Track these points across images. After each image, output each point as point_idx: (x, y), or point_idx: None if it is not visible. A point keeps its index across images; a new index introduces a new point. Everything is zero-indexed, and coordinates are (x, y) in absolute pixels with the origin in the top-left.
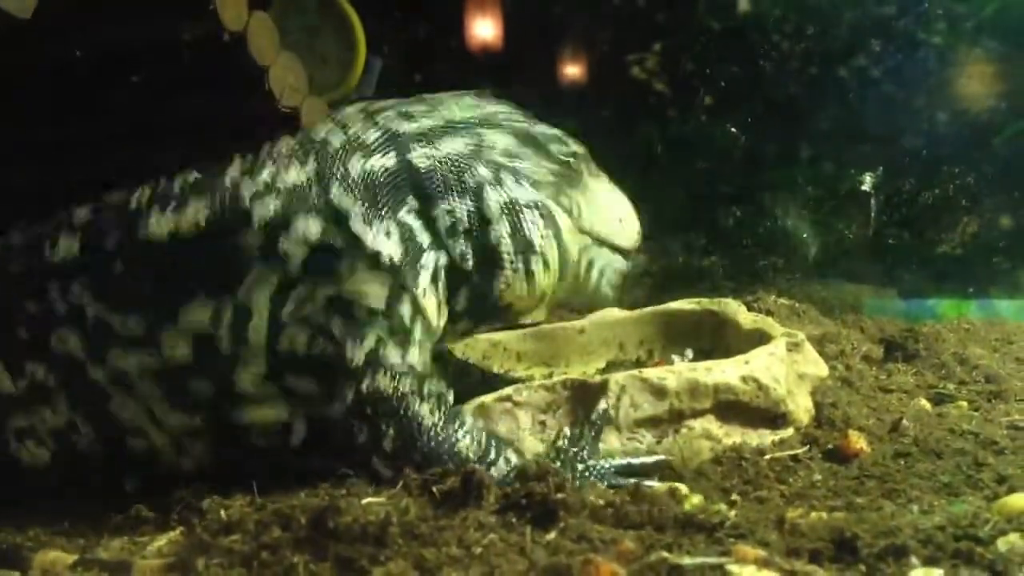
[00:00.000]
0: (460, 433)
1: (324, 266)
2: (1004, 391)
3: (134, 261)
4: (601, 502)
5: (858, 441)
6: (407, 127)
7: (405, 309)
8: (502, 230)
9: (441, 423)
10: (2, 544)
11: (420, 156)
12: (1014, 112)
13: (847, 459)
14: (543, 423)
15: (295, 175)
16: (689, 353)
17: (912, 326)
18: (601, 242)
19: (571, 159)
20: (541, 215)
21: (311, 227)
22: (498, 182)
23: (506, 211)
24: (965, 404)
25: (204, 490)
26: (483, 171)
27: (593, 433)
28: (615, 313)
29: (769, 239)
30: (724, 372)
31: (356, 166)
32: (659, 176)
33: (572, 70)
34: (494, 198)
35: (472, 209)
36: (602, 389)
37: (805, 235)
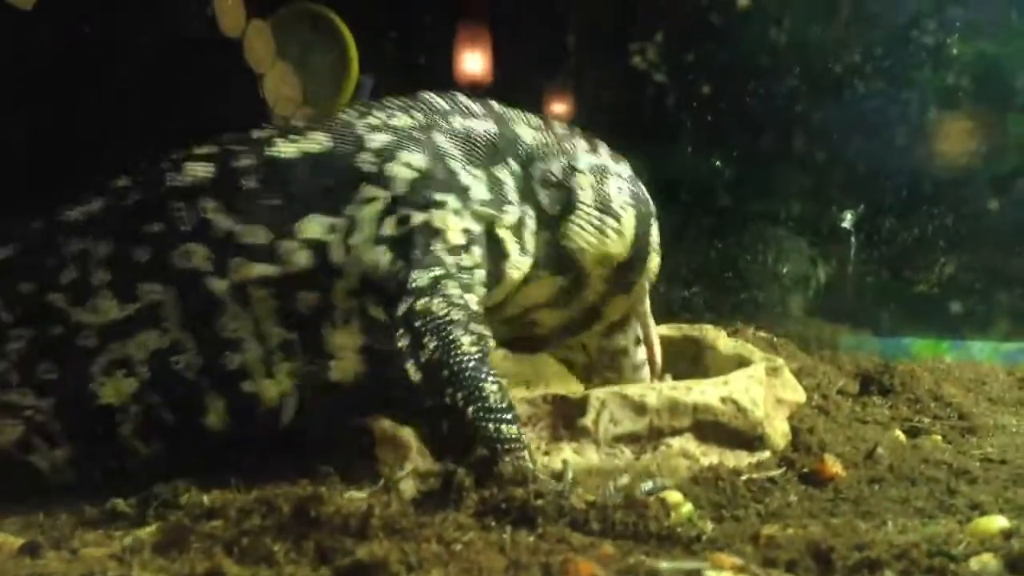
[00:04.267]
0: (491, 377)
1: (423, 192)
2: (977, 427)
3: (263, 178)
4: (582, 506)
5: (834, 466)
6: (511, 113)
7: (479, 248)
8: (586, 182)
9: (477, 358)
10: None
11: (525, 130)
12: (994, 154)
13: (823, 483)
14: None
15: (403, 120)
16: (668, 378)
17: (888, 363)
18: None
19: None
20: (624, 183)
21: (415, 157)
22: (594, 150)
23: (595, 171)
24: (939, 437)
25: (182, 487)
26: (582, 142)
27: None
28: None
29: (749, 273)
30: (704, 392)
31: (458, 123)
32: None
33: (559, 98)
34: (586, 160)
35: (566, 165)
36: (583, 404)
37: (785, 270)
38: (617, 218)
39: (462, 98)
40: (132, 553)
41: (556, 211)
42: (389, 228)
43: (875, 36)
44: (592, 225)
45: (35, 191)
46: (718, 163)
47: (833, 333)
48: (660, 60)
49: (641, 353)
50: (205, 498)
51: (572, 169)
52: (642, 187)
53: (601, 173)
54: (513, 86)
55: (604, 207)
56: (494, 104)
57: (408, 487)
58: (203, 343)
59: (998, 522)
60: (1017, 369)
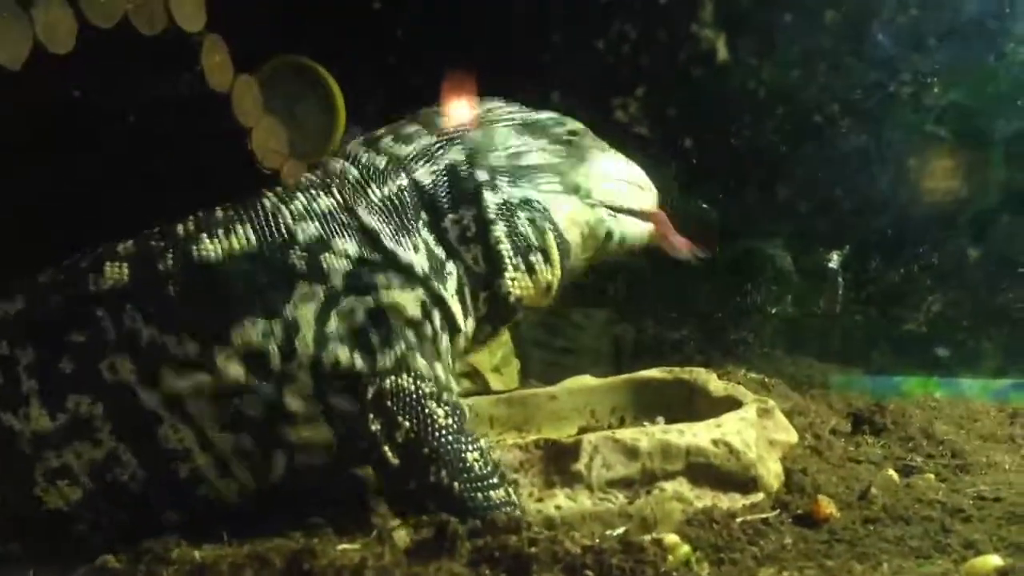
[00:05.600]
0: (471, 445)
1: (364, 279)
2: (970, 464)
3: (189, 283)
4: (577, 551)
5: (828, 506)
6: (407, 149)
7: (436, 318)
8: (499, 232)
9: (454, 429)
10: None
11: (423, 173)
12: (978, 193)
13: (817, 524)
14: (516, 481)
15: (325, 202)
16: (660, 420)
17: (879, 402)
18: (618, 210)
19: (573, 137)
20: (536, 210)
21: (348, 245)
22: (492, 184)
23: (501, 212)
24: (932, 476)
25: (173, 542)
26: (480, 175)
27: None
28: (587, 380)
29: (739, 314)
30: (696, 435)
31: (375, 194)
32: None
33: None
34: (490, 200)
35: (474, 215)
36: (575, 449)
37: (774, 311)
38: (541, 250)
39: (362, 155)
40: None
41: (483, 268)
42: (334, 324)
43: (857, 79)
44: (521, 270)
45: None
46: (704, 206)
47: (824, 372)
48: (641, 113)
49: None
50: (197, 553)
51: (483, 220)
52: (539, 190)
53: (507, 214)
54: None
55: (525, 245)
56: (385, 141)
57: (401, 537)
58: (144, 455)
59: (993, 561)
60: (1008, 405)
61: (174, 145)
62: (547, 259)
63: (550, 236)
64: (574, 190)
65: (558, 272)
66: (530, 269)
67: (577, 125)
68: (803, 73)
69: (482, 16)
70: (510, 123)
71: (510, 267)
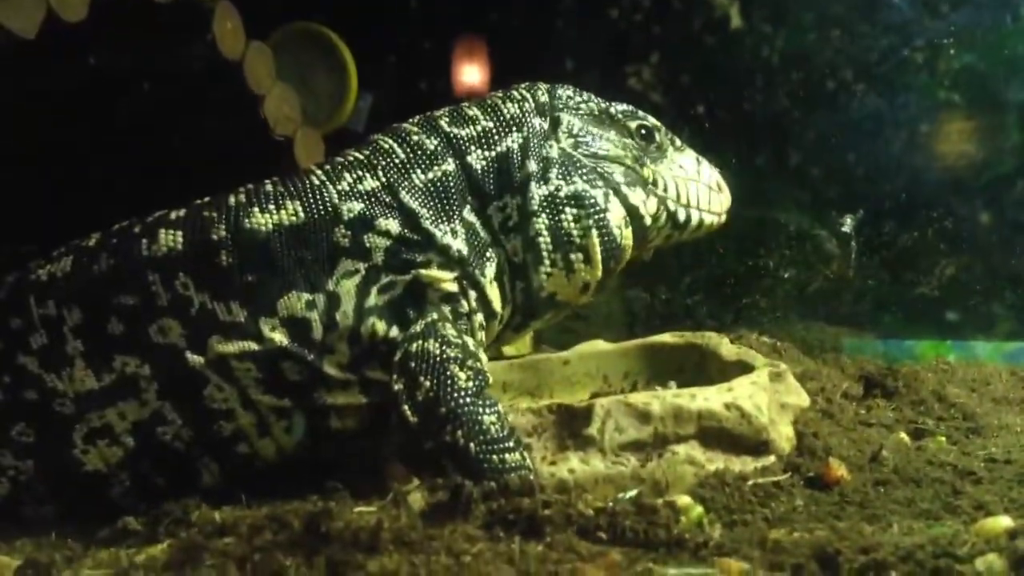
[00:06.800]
0: (488, 409)
1: (403, 256)
2: (982, 427)
3: (240, 253)
4: (590, 513)
5: (839, 469)
6: (463, 132)
7: (472, 299)
8: (540, 225)
9: (473, 392)
10: None
11: (475, 158)
12: (992, 157)
13: (828, 486)
14: (529, 446)
15: (370, 183)
16: (673, 385)
17: (891, 365)
18: (691, 207)
19: (645, 131)
20: (586, 207)
21: (391, 224)
22: (543, 176)
23: (546, 205)
24: (943, 439)
25: (193, 504)
26: (531, 166)
27: None
28: (600, 345)
29: (751, 278)
30: (708, 399)
31: (419, 178)
32: None
33: None
34: (536, 192)
35: (518, 204)
36: (588, 413)
37: (787, 275)
38: (582, 248)
39: (414, 135)
40: (144, 571)
41: (521, 259)
42: (374, 298)
43: (870, 44)
44: (558, 267)
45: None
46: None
47: (836, 336)
48: (654, 79)
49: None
50: (216, 515)
51: (526, 212)
52: (594, 185)
53: (553, 206)
54: None
55: (566, 242)
56: (442, 122)
57: (417, 500)
58: (189, 414)
59: (1003, 522)
60: (1020, 368)
61: (187, 112)
62: (587, 259)
63: (594, 236)
64: (645, 182)
65: (598, 273)
66: (568, 267)
67: (653, 121)
68: (816, 39)
69: None
70: (577, 112)
71: (547, 262)
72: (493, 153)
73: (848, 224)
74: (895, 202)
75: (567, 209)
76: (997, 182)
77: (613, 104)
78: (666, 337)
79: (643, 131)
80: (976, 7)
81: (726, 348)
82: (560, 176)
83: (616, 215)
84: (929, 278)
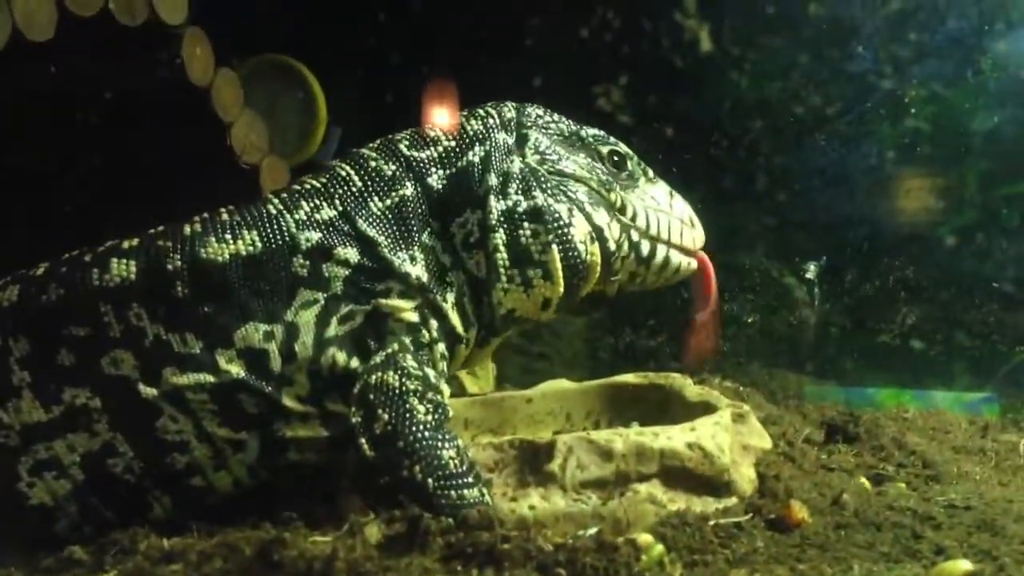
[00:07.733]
0: (447, 444)
1: (362, 286)
2: (941, 475)
3: (195, 284)
4: (550, 548)
5: (800, 511)
6: (423, 154)
7: (433, 327)
8: (498, 240)
9: (432, 426)
10: None
11: (436, 179)
12: (953, 208)
13: (789, 528)
14: (489, 482)
15: (327, 212)
16: (636, 425)
17: (852, 412)
18: (659, 240)
19: (617, 158)
20: (546, 223)
21: (349, 253)
22: (502, 191)
23: (504, 220)
24: (903, 485)
25: (142, 533)
26: (491, 179)
27: None
28: (563, 384)
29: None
30: (670, 438)
31: (376, 205)
32: None
33: None
34: (495, 206)
35: (479, 219)
36: (550, 449)
37: (750, 320)
38: (541, 264)
39: (371, 161)
40: None
41: (482, 274)
42: (334, 329)
43: (835, 89)
44: (515, 283)
45: None
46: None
47: (798, 383)
48: (624, 102)
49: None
50: (165, 543)
51: (485, 227)
52: (558, 200)
53: (511, 221)
54: None
55: (524, 259)
56: (401, 146)
57: (373, 532)
58: (141, 446)
59: (963, 565)
60: (979, 418)
61: (152, 137)
62: (547, 275)
63: (555, 251)
64: (611, 206)
65: (560, 290)
66: (526, 283)
67: (626, 149)
68: (783, 88)
69: (464, 17)
70: (546, 131)
71: (504, 279)
72: (454, 169)
73: (811, 271)
74: (857, 250)
75: (525, 224)
76: (957, 232)
77: (584, 128)
78: (629, 377)
79: (615, 157)
80: (939, 59)
81: (689, 389)
82: (519, 191)
83: (580, 230)
84: (891, 326)
